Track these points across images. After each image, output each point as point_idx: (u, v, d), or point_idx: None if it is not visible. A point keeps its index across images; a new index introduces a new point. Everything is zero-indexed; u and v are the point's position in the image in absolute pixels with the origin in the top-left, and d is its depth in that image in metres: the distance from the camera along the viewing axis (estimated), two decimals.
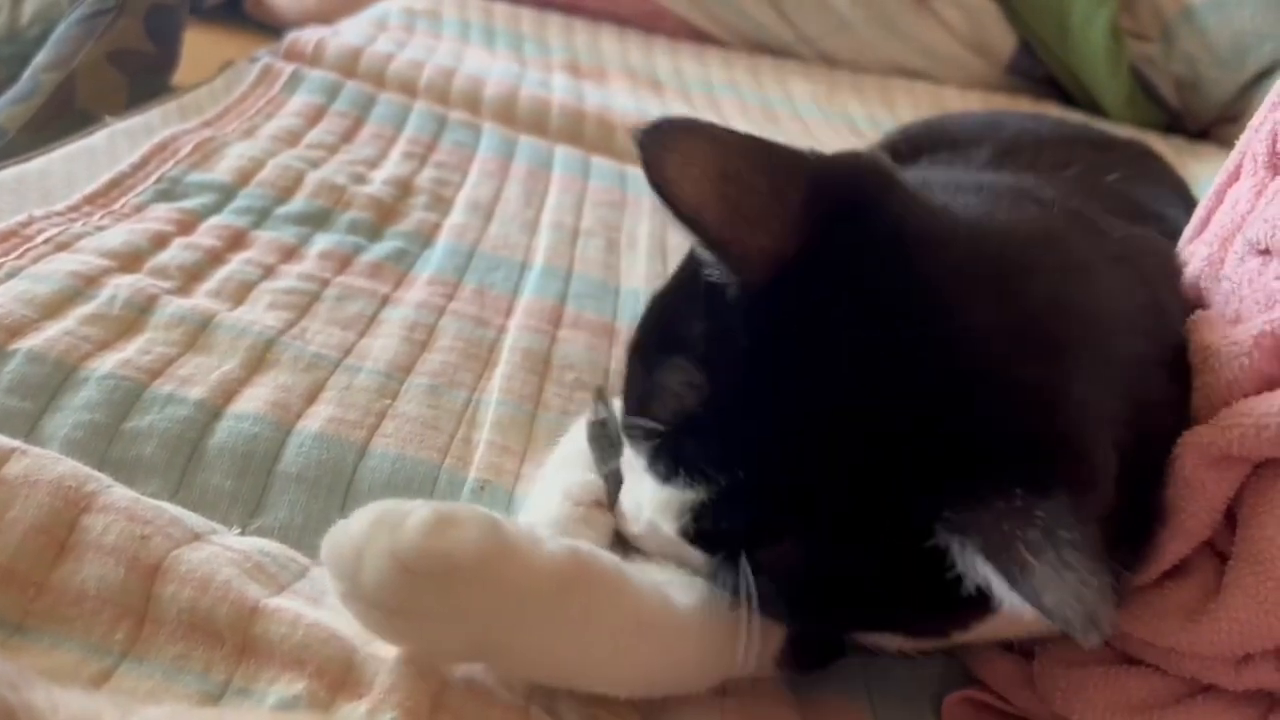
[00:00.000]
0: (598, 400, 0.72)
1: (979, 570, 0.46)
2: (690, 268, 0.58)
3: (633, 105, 1.50)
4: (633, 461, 0.59)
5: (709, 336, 0.54)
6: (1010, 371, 0.51)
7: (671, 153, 0.51)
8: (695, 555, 0.58)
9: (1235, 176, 0.71)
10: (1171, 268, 0.70)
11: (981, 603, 0.48)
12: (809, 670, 0.63)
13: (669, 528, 0.56)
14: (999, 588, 0.46)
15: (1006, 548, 0.45)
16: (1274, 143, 0.66)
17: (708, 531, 0.55)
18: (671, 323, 0.59)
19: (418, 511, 0.49)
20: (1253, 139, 0.69)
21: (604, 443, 0.68)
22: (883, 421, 0.50)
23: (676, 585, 0.58)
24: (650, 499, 0.57)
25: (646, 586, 0.56)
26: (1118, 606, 0.51)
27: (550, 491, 0.66)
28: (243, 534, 0.61)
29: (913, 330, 0.51)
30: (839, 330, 0.51)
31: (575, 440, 0.71)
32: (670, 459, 0.55)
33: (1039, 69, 1.98)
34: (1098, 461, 0.51)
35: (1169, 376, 0.60)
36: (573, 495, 0.64)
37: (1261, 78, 1.79)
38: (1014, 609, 0.46)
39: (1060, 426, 0.51)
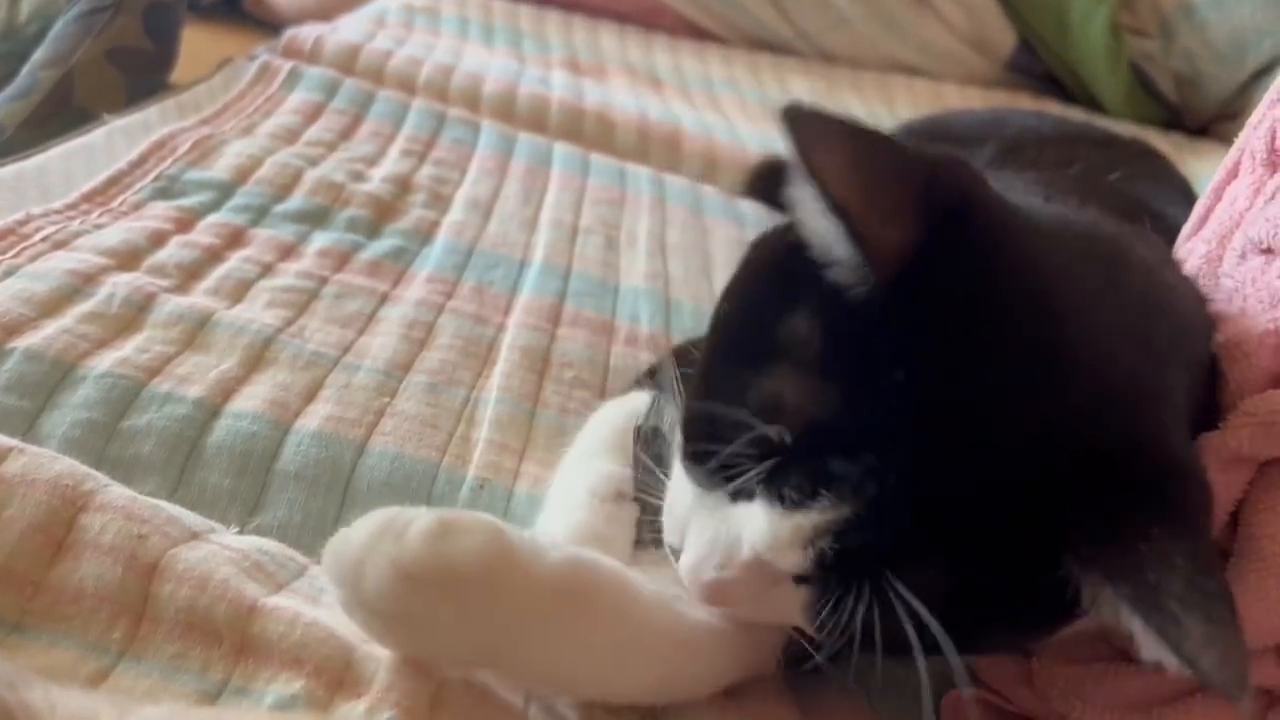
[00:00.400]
0: (651, 404, 0.67)
1: (1122, 618, 0.45)
2: (772, 273, 0.54)
3: (632, 102, 1.50)
4: (709, 497, 0.53)
5: (826, 341, 0.49)
6: (1136, 385, 0.50)
7: (818, 141, 0.47)
8: (789, 603, 0.52)
9: (1234, 174, 0.71)
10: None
11: (1072, 612, 0.48)
12: (814, 668, 0.63)
13: (794, 559, 0.49)
14: (1147, 640, 0.44)
15: (1157, 603, 0.43)
16: (1272, 140, 0.65)
17: (853, 552, 0.48)
18: (760, 330, 0.52)
19: (420, 520, 0.48)
20: (1251, 136, 0.69)
21: (655, 459, 0.63)
22: (1017, 431, 0.47)
23: (684, 597, 0.58)
24: (764, 531, 0.49)
25: (653, 596, 0.56)
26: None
27: (573, 489, 0.65)
28: (241, 533, 0.61)
29: (1041, 335, 0.48)
30: (971, 331, 0.48)
31: (592, 435, 0.70)
32: (806, 475, 0.48)
33: (1038, 66, 1.97)
34: (1209, 486, 0.50)
35: (1212, 377, 0.59)
36: (599, 492, 0.63)
37: (1261, 74, 1.78)
38: (1154, 657, 0.44)
39: (1181, 451, 0.50)
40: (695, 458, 0.52)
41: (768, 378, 0.49)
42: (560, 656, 0.53)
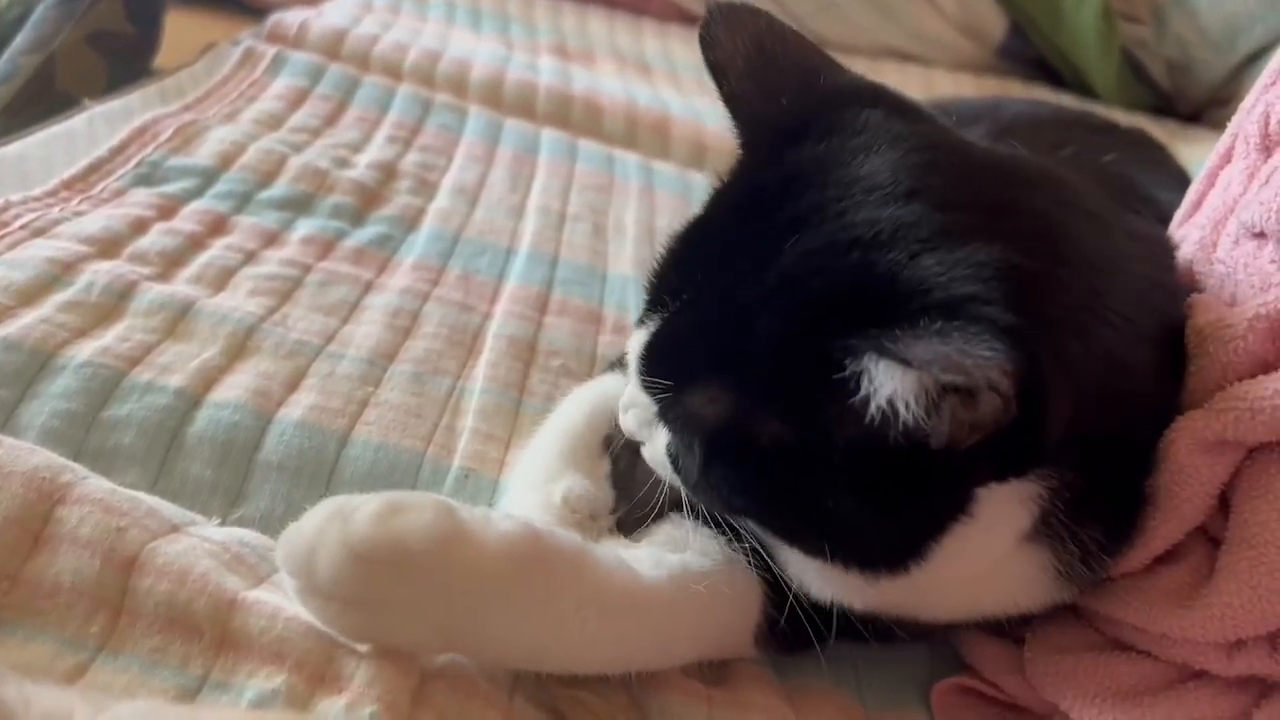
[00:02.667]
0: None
1: (869, 374, 0.45)
2: None
3: (620, 88, 1.49)
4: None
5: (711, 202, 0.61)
6: (951, 247, 0.49)
7: (725, 19, 0.61)
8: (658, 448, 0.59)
9: (1227, 159, 0.70)
10: (1167, 252, 0.70)
11: (931, 519, 0.51)
12: (790, 652, 0.63)
13: (633, 376, 0.58)
14: (878, 373, 0.45)
15: (894, 337, 0.45)
16: (1265, 125, 0.65)
17: (654, 363, 0.56)
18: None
19: (369, 502, 0.49)
20: (1244, 121, 0.68)
21: (627, 476, 0.67)
22: (825, 272, 0.51)
23: (644, 560, 0.58)
24: (632, 355, 0.58)
25: (610, 560, 0.56)
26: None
27: (540, 488, 0.64)
28: (223, 524, 0.60)
29: (883, 201, 0.52)
30: (807, 192, 0.54)
31: (562, 425, 0.69)
32: (647, 299, 0.59)
33: (1030, 51, 1.96)
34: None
35: (1165, 355, 0.59)
36: (570, 502, 0.63)
37: (1253, 60, 1.78)
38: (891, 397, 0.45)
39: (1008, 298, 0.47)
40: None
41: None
42: (522, 626, 0.52)
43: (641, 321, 0.58)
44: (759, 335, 0.51)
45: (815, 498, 0.52)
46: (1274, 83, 0.67)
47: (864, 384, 0.46)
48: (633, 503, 0.65)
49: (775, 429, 0.52)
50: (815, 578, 0.58)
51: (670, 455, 0.58)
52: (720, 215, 0.60)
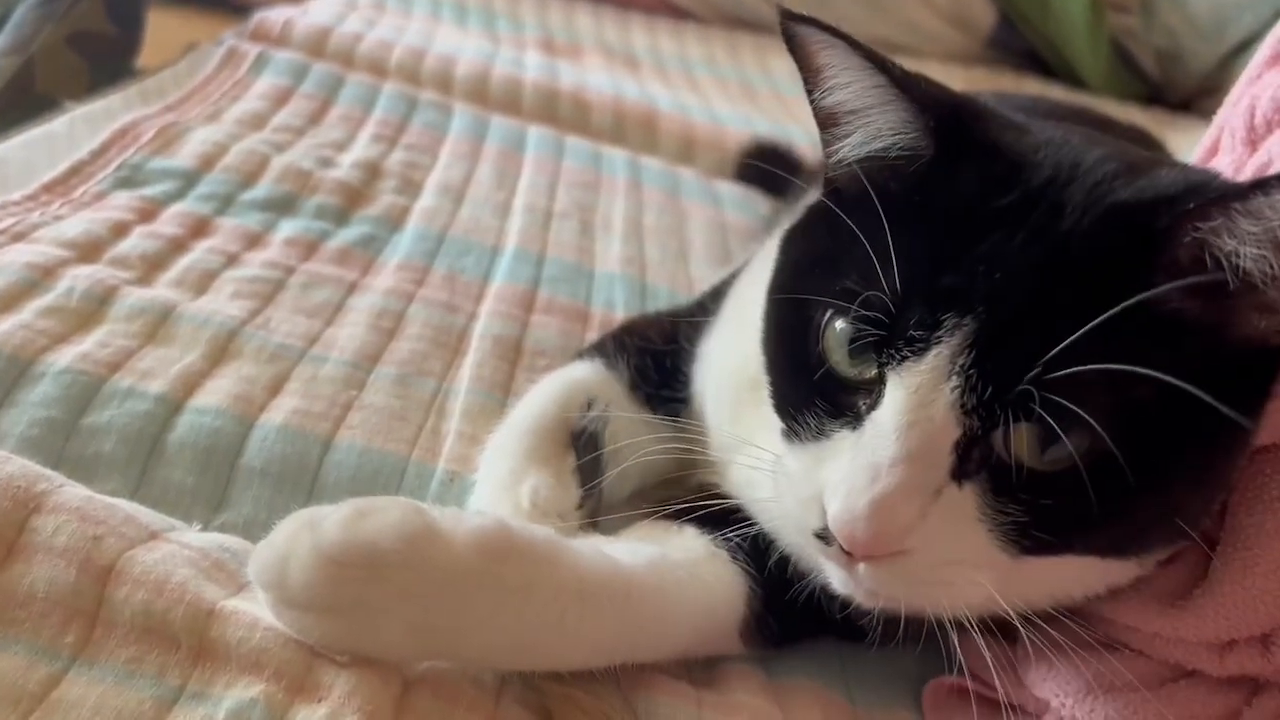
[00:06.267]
0: (590, 408, 0.68)
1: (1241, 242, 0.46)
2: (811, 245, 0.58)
3: (608, 83, 1.48)
4: (811, 461, 0.53)
5: (898, 206, 0.52)
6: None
7: (803, 23, 0.54)
8: (964, 516, 0.50)
9: (1213, 152, 0.70)
10: None
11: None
12: (777, 647, 0.62)
13: (942, 401, 0.48)
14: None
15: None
16: (1251, 118, 0.64)
17: (991, 366, 0.47)
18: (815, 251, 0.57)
19: (337, 510, 0.50)
20: (1230, 114, 0.68)
21: (592, 468, 0.66)
22: (1112, 204, 0.50)
23: (622, 550, 0.57)
24: (899, 403, 0.49)
25: (587, 549, 0.55)
26: None
27: (508, 490, 0.63)
28: (204, 530, 0.60)
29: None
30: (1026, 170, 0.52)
31: (527, 422, 0.68)
32: (926, 311, 0.49)
33: (1019, 42, 1.96)
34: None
35: None
36: (539, 505, 0.62)
37: (1242, 48, 1.77)
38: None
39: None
40: (795, 418, 0.54)
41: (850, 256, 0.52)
42: (499, 621, 0.52)
43: (915, 345, 0.49)
44: (1094, 283, 0.47)
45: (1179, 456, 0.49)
46: (1259, 76, 0.66)
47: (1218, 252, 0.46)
48: (596, 494, 0.65)
49: (1145, 384, 0.46)
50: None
51: (993, 513, 0.49)
52: (951, 209, 0.52)
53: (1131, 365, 0.45)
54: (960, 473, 0.49)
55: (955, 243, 0.50)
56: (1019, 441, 0.48)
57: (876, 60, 0.53)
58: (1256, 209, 0.45)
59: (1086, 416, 0.45)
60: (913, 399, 0.49)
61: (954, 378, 0.48)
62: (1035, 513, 0.49)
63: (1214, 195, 0.48)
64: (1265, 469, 0.55)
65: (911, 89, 0.53)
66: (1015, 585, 0.53)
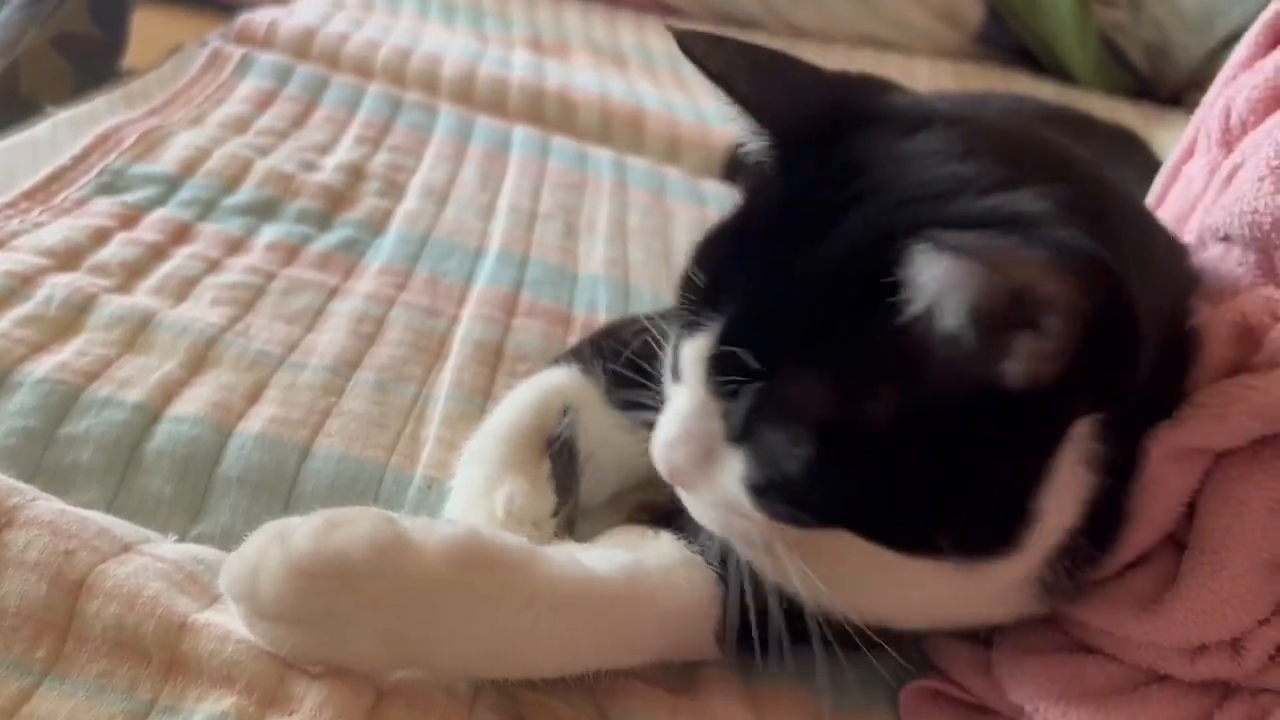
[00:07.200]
0: (566, 417, 0.68)
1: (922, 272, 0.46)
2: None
3: (595, 82, 1.48)
4: (670, 369, 0.59)
5: (742, 205, 0.59)
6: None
7: (695, 38, 0.59)
8: (730, 472, 0.54)
9: (1190, 153, 0.70)
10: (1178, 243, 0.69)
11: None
12: (753, 653, 0.62)
13: (696, 382, 0.54)
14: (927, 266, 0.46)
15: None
16: (1226, 119, 0.64)
17: (732, 362, 0.52)
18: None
19: (308, 521, 0.50)
20: (1206, 115, 0.68)
21: (567, 474, 0.66)
22: (886, 225, 0.50)
23: (596, 557, 0.57)
24: (692, 363, 0.54)
25: (560, 556, 0.56)
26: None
27: (483, 498, 0.63)
28: (181, 540, 0.60)
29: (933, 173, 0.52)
30: (860, 174, 0.53)
31: (503, 430, 0.68)
32: (689, 304, 0.55)
33: (1008, 37, 1.96)
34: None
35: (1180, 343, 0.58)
36: (514, 514, 0.62)
37: (1231, 42, 1.74)
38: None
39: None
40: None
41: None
42: (471, 630, 0.52)
43: (689, 328, 0.55)
44: (832, 299, 0.50)
45: (930, 473, 0.50)
46: (1235, 77, 0.67)
47: (914, 285, 0.47)
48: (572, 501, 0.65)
49: (877, 401, 0.49)
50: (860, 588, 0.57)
51: (751, 485, 0.53)
52: (769, 209, 0.57)
53: (861, 380, 0.49)
54: (734, 437, 0.53)
55: (749, 243, 0.56)
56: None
57: (723, 81, 0.58)
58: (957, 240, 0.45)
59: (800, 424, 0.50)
60: (690, 371, 0.55)
61: (706, 362, 0.53)
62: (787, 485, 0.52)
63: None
64: (1232, 472, 0.55)
65: (756, 105, 0.58)
66: (851, 590, 0.57)
